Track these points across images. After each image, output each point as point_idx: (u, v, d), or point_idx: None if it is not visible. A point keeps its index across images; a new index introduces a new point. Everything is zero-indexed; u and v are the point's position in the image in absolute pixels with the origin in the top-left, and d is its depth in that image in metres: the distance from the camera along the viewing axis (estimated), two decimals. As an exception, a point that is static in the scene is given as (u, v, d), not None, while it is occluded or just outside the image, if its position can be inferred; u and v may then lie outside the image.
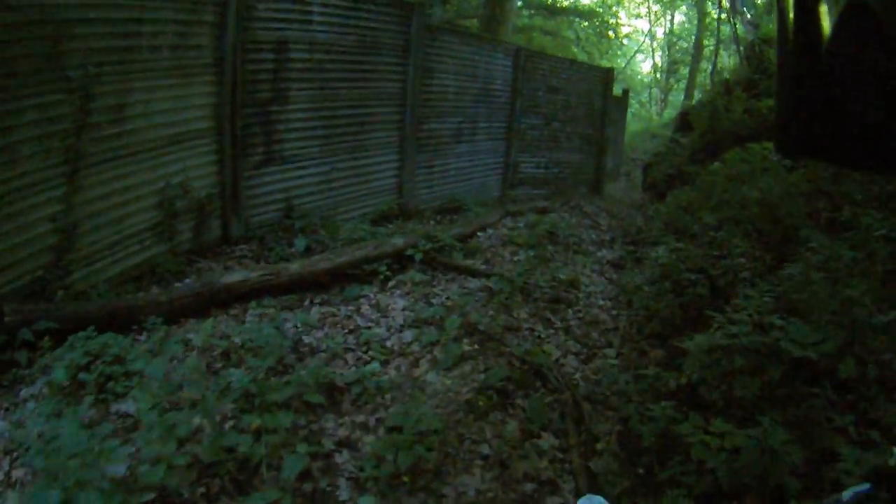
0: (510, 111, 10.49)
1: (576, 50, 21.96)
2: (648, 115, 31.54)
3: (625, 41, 30.58)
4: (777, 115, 3.38)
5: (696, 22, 24.93)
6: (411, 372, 4.50)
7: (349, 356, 4.70)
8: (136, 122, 5.25)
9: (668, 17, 33.35)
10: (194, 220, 6.23)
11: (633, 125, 23.05)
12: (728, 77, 11.60)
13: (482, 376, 4.35)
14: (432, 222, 8.85)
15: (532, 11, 21.19)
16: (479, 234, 8.05)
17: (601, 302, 6.43)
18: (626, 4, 29.44)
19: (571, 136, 12.04)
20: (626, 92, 16.93)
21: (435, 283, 6.41)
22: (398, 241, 6.69)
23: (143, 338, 4.56)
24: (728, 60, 21.07)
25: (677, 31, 30.87)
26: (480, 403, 4.03)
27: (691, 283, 5.24)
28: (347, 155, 7.81)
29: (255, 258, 6.54)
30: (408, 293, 6.02)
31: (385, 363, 4.61)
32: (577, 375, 4.70)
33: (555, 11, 20.68)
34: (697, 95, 24.12)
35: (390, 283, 6.21)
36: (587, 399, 4.24)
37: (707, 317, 4.25)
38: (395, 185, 8.62)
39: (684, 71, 27.32)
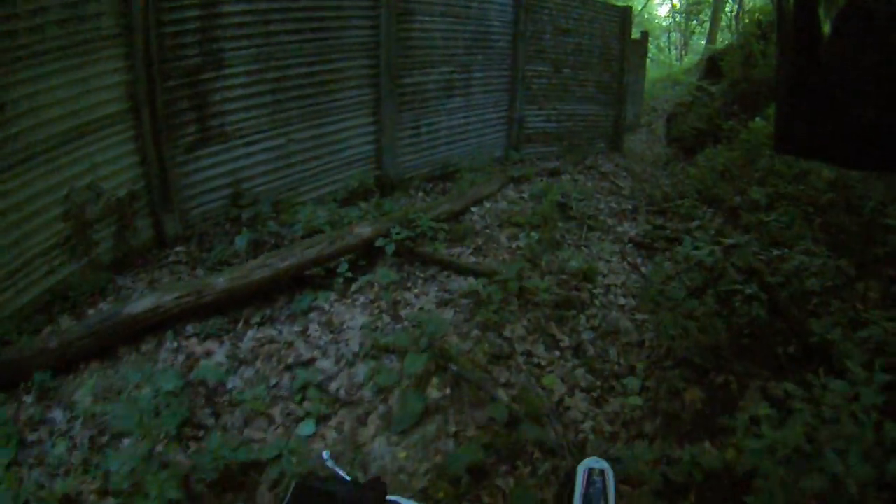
0: (512, 58, 8.91)
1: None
2: (668, 61, 29.12)
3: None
4: (776, 115, 3.45)
5: None
6: (355, 436, 3.22)
7: (277, 410, 3.45)
8: (22, 122, 4.07)
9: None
10: (115, 226, 5.05)
11: (652, 72, 20.93)
12: (761, 17, 9.81)
13: (450, 444, 3.06)
14: (420, 194, 7.46)
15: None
16: (472, 209, 6.65)
17: (622, 301, 5.07)
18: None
19: (585, 84, 10.40)
20: (644, 35, 14.99)
21: (410, 283, 5.11)
22: (364, 231, 5.35)
23: (30, 399, 3.57)
24: (755, 1, 18.97)
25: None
26: (440, 496, 2.74)
27: (743, 297, 3.86)
28: (306, 122, 6.42)
29: (191, 263, 5.31)
30: (372, 301, 4.75)
31: (323, 420, 3.34)
32: (587, 425, 3.39)
33: None
34: (722, 39, 22.08)
35: (353, 287, 4.94)
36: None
37: (765, 347, 2.93)
38: (371, 153, 7.22)
39: (705, 14, 24.89)
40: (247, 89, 5.84)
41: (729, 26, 22.77)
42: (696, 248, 4.68)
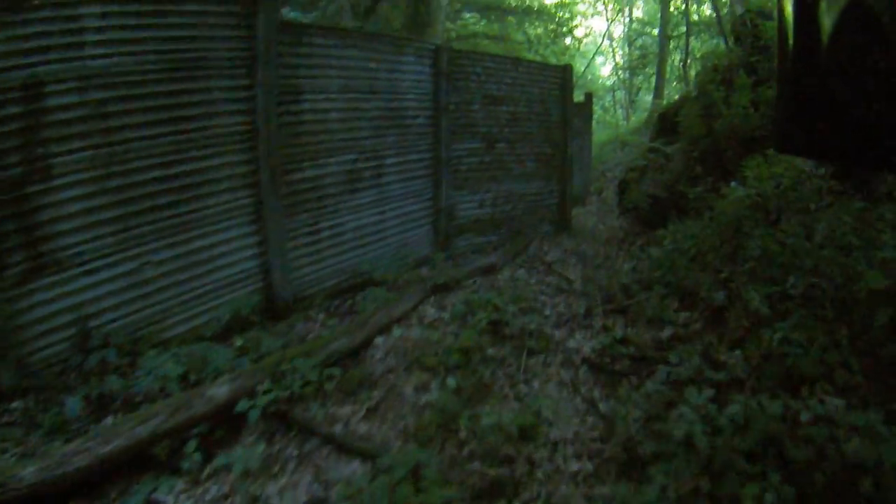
0: (434, 136, 7.64)
1: (529, 55, 19.27)
2: (615, 122, 28.61)
3: (583, 42, 27.97)
4: (776, 116, 3.22)
5: (658, 13, 22.23)
6: None
7: None
8: None
9: (626, 14, 30.96)
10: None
11: (598, 134, 20.12)
12: (717, 62, 8.77)
13: None
14: (322, 316, 5.96)
15: (474, 15, 18.50)
16: (378, 340, 5.14)
17: (574, 465, 3.62)
18: (580, 3, 26.89)
19: (524, 159, 9.17)
20: (588, 96, 14.01)
21: (278, 467, 3.60)
22: (219, 393, 3.90)
23: None
24: (701, 48, 18.39)
25: (637, 28, 28.25)
26: None
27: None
28: (166, 239, 4.95)
29: (27, 425, 3.89)
30: (226, 497, 3.25)
31: None
32: None
33: (498, 10, 17.85)
34: (669, 93, 21.54)
35: (205, 471, 3.48)
36: None
37: None
38: (255, 269, 5.71)
39: (651, 68, 24.43)
40: (84, 202, 4.45)
41: (678, 77, 22.29)
42: (680, 414, 3.23)
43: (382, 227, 7.04)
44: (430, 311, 5.84)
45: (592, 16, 30.00)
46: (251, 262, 5.66)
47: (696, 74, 11.26)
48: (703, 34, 17.01)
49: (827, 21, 2.13)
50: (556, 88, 9.59)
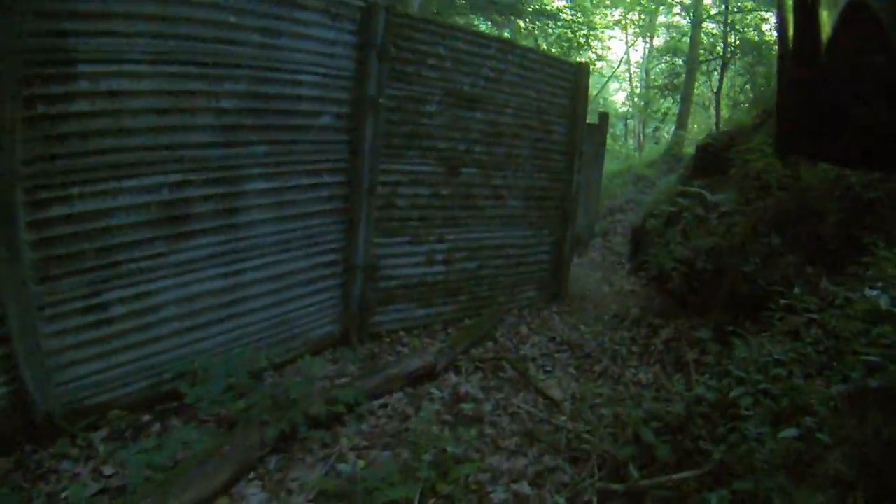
0: (350, 147, 4.77)
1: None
2: (625, 151, 25.55)
3: (597, 64, 25.14)
4: (777, 117, 2.80)
5: (686, 34, 19.29)
6: None
7: None
8: None
9: (646, 40, 28.19)
10: None
11: (607, 164, 17.11)
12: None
13: None
14: (104, 449, 3.13)
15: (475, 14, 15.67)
16: None
17: None
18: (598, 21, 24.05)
19: (506, 193, 6.23)
20: (604, 117, 10.93)
21: None
22: None
23: None
24: (737, 72, 15.49)
25: (661, 50, 25.36)
26: None
27: None
28: None
29: None
30: None
31: None
32: None
33: (509, 10, 14.89)
34: (694, 124, 18.66)
35: None
36: None
37: None
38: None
39: (665, 104, 21.24)
40: None
41: (704, 107, 19.35)
42: None
43: (240, 297, 4.14)
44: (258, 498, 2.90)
45: (610, 38, 27.35)
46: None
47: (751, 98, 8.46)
48: (746, 57, 14.08)
49: (827, 21, 2.03)
50: (563, 95, 6.62)
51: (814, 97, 2.16)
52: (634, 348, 5.66)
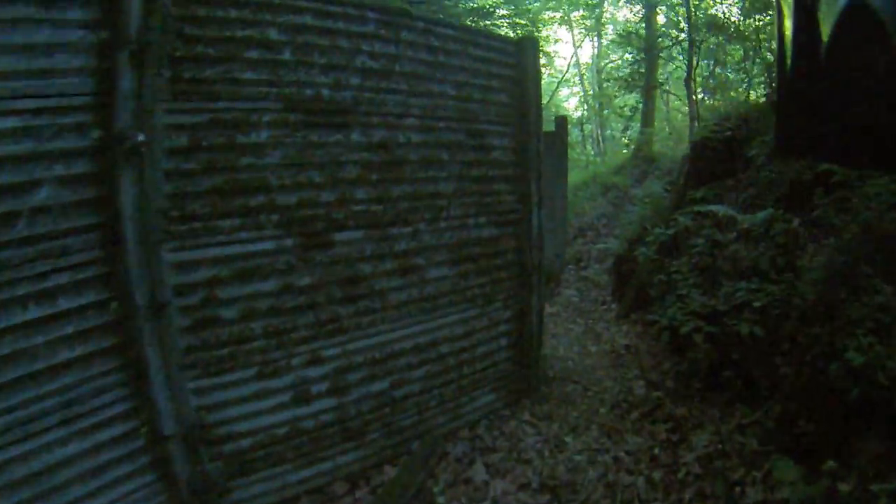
0: (103, 235, 2.58)
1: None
2: (586, 158, 23.20)
3: (545, 69, 23.35)
4: (777, 116, 3.13)
5: (641, 27, 17.44)
6: None
7: None
8: None
9: (595, 39, 26.55)
10: None
11: (568, 175, 14.91)
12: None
13: None
14: None
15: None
16: None
17: None
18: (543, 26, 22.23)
19: (421, 261, 3.92)
20: (562, 122, 8.88)
21: None
22: None
23: None
24: (708, 55, 13.61)
25: (615, 42, 23.56)
26: None
27: None
28: None
29: None
30: None
31: None
32: None
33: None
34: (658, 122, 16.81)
35: None
36: None
37: None
38: None
39: (625, 99, 19.36)
40: None
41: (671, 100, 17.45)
42: None
43: None
44: None
45: (556, 42, 25.57)
46: None
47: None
48: (713, 38, 12.20)
49: (827, 22, 2.08)
50: (503, 89, 4.35)
51: (813, 96, 2.18)
52: (656, 474, 3.56)
